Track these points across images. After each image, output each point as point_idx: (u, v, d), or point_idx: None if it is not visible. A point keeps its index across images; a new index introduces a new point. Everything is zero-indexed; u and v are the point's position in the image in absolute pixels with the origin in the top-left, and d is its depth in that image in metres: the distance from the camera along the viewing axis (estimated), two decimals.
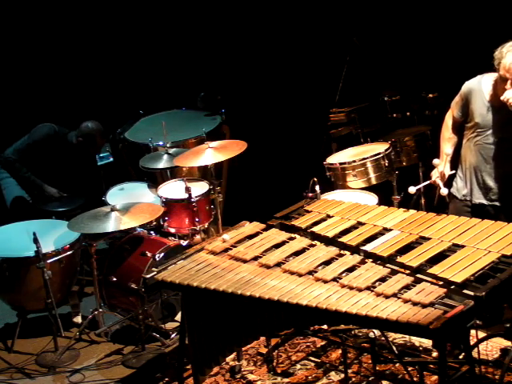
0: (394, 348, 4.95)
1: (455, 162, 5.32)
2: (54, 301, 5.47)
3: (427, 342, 5.12)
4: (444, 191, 5.06)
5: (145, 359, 5.48)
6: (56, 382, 5.43)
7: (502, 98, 4.92)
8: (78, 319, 5.99)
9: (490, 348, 5.13)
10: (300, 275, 4.30)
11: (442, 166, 5.17)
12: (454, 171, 5.30)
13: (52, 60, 7.53)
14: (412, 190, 5.06)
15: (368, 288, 4.10)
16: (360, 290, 4.09)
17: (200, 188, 6.06)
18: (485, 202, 5.20)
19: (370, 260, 4.39)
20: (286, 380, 5.11)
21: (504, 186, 5.15)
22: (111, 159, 6.74)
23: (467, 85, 5.17)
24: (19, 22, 7.54)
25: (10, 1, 7.46)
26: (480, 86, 5.10)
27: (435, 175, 5.22)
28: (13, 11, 7.49)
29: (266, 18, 7.41)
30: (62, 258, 5.67)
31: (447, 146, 5.28)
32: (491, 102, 5.05)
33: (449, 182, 5.30)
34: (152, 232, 5.97)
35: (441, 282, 4.08)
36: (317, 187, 5.19)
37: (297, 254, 4.54)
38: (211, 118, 7.00)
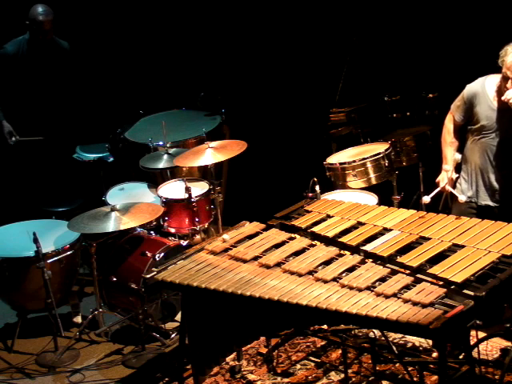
0: (394, 348, 4.95)
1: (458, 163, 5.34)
2: (53, 301, 5.46)
3: (427, 342, 5.12)
4: (462, 198, 5.09)
5: (145, 359, 5.48)
6: (56, 382, 5.43)
7: (503, 97, 4.92)
8: (78, 319, 5.99)
9: (490, 348, 5.13)
10: (300, 275, 4.30)
11: (450, 172, 5.19)
12: (458, 174, 5.31)
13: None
14: (426, 199, 5.07)
15: (368, 288, 4.10)
16: (360, 290, 4.09)
17: (200, 188, 6.06)
18: (491, 203, 5.20)
19: (370, 260, 4.39)
20: (286, 380, 5.11)
21: (509, 187, 5.15)
22: (111, 159, 6.73)
23: (470, 88, 5.15)
24: (20, 20, 7.53)
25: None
26: (484, 89, 5.10)
27: (444, 181, 5.22)
28: (14, 10, 7.48)
29: (266, 18, 7.40)
30: (62, 257, 5.67)
31: (451, 151, 5.29)
32: (496, 103, 5.04)
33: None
34: (152, 232, 5.97)
35: (441, 282, 4.08)
36: (317, 187, 5.20)
37: (297, 254, 4.54)
38: (211, 118, 7.00)
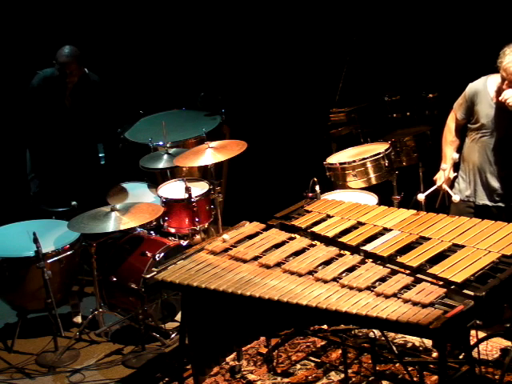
0: (394, 348, 4.96)
1: (457, 162, 5.33)
2: (54, 301, 5.47)
3: (427, 342, 5.12)
4: (456, 198, 5.06)
5: (145, 359, 5.48)
6: (56, 382, 5.43)
7: (500, 98, 4.94)
8: (78, 319, 5.99)
9: (490, 348, 5.13)
10: (300, 275, 4.30)
11: (447, 171, 5.19)
12: (456, 173, 5.31)
13: (52, 60, 7.54)
14: (421, 197, 5.05)
15: (368, 288, 4.10)
16: (360, 290, 4.09)
17: (200, 188, 6.06)
18: (489, 203, 5.20)
19: (370, 260, 4.39)
20: (286, 380, 5.11)
21: (508, 187, 5.15)
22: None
23: (472, 87, 5.17)
24: (17, 21, 7.55)
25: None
26: (485, 88, 5.11)
27: (441, 180, 5.22)
28: (12, 9, 7.50)
29: (266, 18, 7.41)
30: (62, 257, 5.67)
31: (451, 150, 5.29)
32: (497, 103, 5.05)
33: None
34: (152, 232, 5.97)
35: (441, 282, 4.08)
36: (317, 187, 5.20)
37: (297, 253, 4.54)
38: (211, 118, 7.00)
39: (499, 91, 5.00)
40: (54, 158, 6.45)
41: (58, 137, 6.43)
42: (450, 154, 5.29)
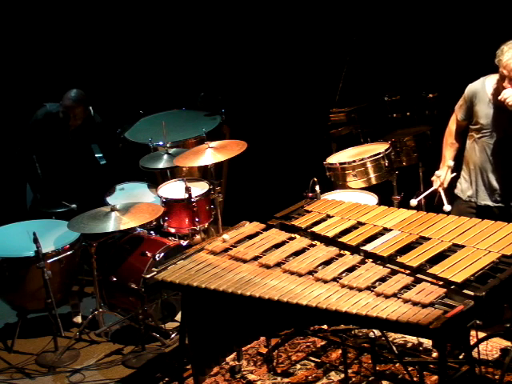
0: (394, 348, 4.96)
1: (458, 162, 5.33)
2: (54, 301, 5.47)
3: (427, 342, 5.12)
4: (447, 208, 5.06)
5: (145, 359, 5.48)
6: (56, 382, 5.43)
7: (499, 97, 4.93)
8: (78, 319, 5.99)
9: (490, 348, 5.13)
10: (300, 275, 4.30)
11: (442, 176, 5.20)
12: (455, 173, 5.31)
13: (52, 60, 7.54)
14: (414, 202, 5.06)
15: (368, 288, 4.10)
16: (360, 290, 4.09)
17: (200, 188, 6.06)
18: (490, 203, 5.20)
19: (370, 260, 4.39)
20: (286, 380, 5.11)
21: (509, 187, 5.15)
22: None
23: (471, 87, 5.17)
24: (18, 20, 7.54)
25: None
26: (484, 88, 5.11)
27: (436, 183, 5.22)
28: (12, 10, 7.50)
29: (266, 18, 7.41)
30: (62, 257, 5.67)
31: (450, 152, 5.30)
32: (495, 102, 5.05)
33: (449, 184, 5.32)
34: (152, 232, 5.97)
35: (441, 282, 4.08)
36: (317, 187, 5.20)
37: (297, 253, 4.54)
38: (211, 118, 7.01)
39: (497, 91, 5.00)
40: (53, 167, 6.47)
41: (56, 159, 6.47)
42: (449, 156, 5.30)
